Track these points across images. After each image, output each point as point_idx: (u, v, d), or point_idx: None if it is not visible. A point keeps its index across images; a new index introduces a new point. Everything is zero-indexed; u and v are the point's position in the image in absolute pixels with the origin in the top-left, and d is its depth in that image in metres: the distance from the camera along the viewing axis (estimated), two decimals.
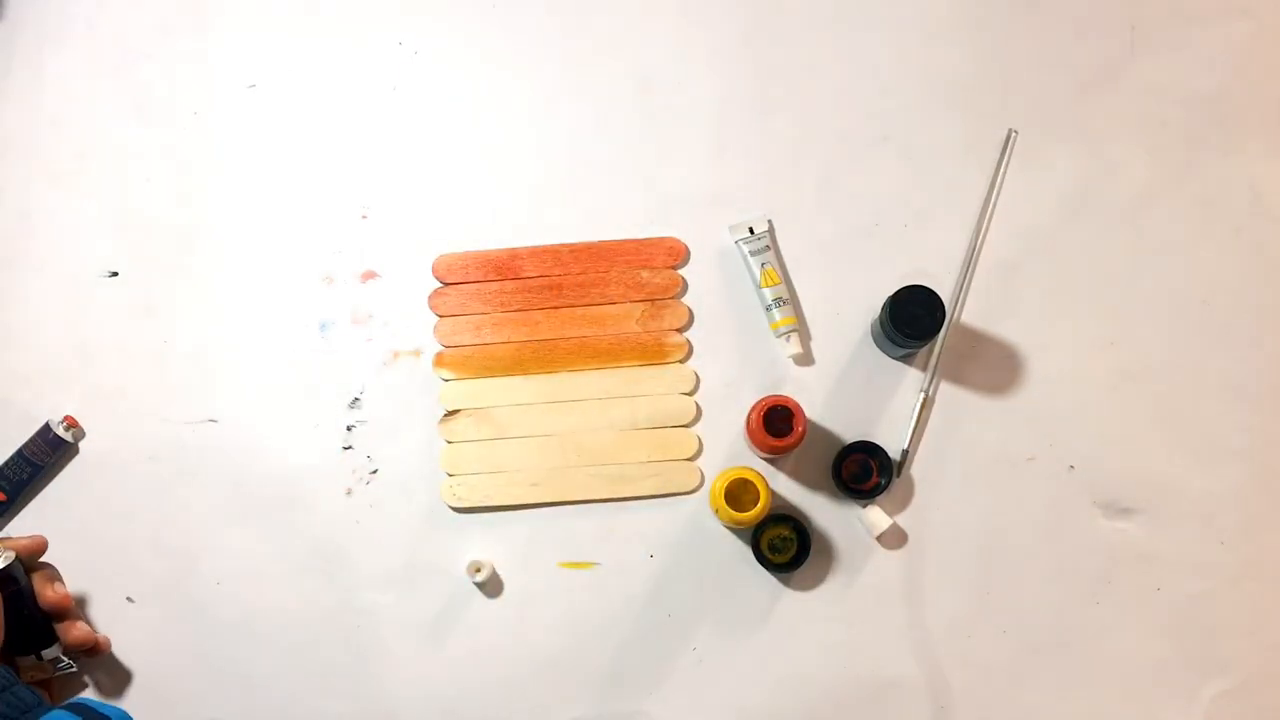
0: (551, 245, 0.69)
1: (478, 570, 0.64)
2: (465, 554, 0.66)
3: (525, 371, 0.67)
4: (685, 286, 0.69)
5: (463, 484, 0.66)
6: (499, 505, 0.66)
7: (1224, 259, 0.68)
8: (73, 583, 0.65)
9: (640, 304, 0.68)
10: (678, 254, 0.69)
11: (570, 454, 0.66)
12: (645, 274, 0.68)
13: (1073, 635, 0.65)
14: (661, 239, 0.69)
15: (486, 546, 0.66)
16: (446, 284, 0.69)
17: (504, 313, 0.68)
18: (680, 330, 0.68)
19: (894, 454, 0.66)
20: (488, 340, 0.68)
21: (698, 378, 0.67)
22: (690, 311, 0.68)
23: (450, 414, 0.67)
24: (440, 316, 0.68)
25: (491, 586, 0.65)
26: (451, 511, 0.66)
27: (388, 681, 0.64)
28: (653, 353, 0.67)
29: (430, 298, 0.68)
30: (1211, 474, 0.66)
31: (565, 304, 0.68)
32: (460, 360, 0.68)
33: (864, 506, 0.65)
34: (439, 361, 0.68)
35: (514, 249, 0.69)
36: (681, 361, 0.68)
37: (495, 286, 0.68)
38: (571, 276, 0.68)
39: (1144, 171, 0.69)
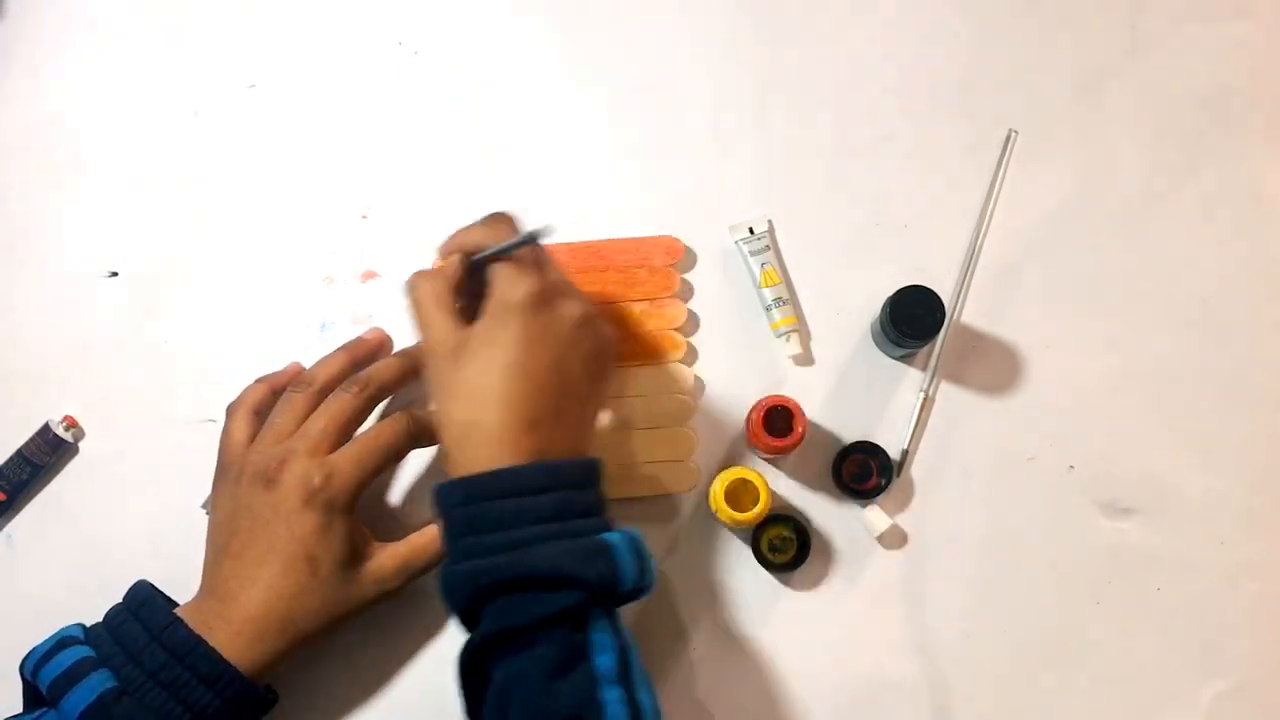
0: (549, 245, 0.69)
1: None
2: None
3: None
4: (684, 286, 0.69)
5: None
6: None
7: (1224, 259, 0.69)
8: (73, 583, 0.65)
9: (638, 303, 0.68)
10: (676, 253, 0.69)
11: None
12: (643, 273, 0.68)
13: (1073, 635, 0.65)
14: (660, 238, 0.69)
15: None
16: None
17: None
18: (679, 329, 0.68)
19: (894, 454, 0.66)
20: None
21: (696, 377, 0.67)
22: (689, 311, 0.68)
23: None
24: None
25: None
26: None
27: (390, 677, 0.64)
28: (651, 352, 0.67)
29: None
30: (1211, 474, 0.66)
31: None
32: None
33: (864, 506, 0.65)
34: None
35: None
36: (680, 361, 0.67)
37: None
38: (570, 276, 0.68)
39: (1144, 171, 0.69)
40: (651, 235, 0.69)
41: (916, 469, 0.66)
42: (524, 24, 0.72)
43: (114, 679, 0.53)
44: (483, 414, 0.52)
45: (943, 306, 0.62)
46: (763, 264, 0.68)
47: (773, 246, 0.68)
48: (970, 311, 0.68)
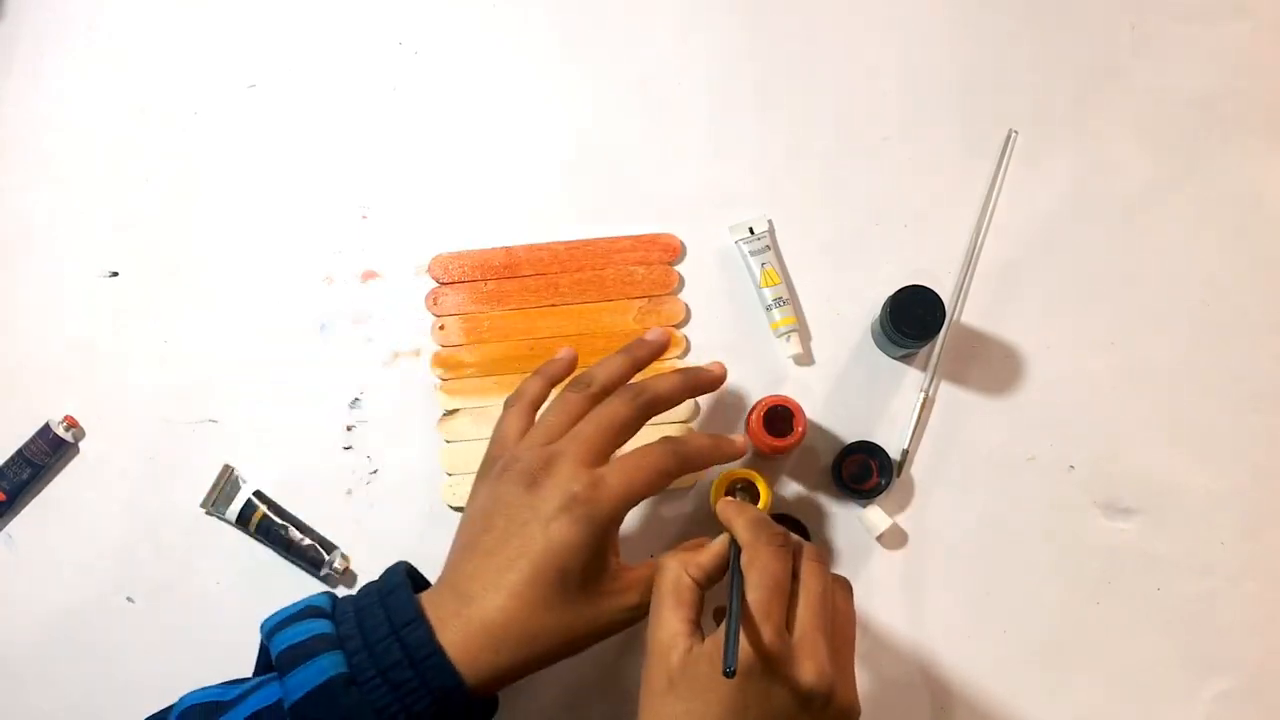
0: (548, 243, 0.69)
1: None
2: None
3: (524, 370, 0.67)
4: (682, 282, 0.69)
5: (462, 483, 0.66)
6: None
7: (1224, 259, 0.69)
8: (73, 583, 0.65)
9: (636, 300, 0.68)
10: (673, 250, 0.69)
11: None
12: (641, 270, 0.68)
13: (1073, 635, 0.65)
14: (657, 235, 0.69)
15: None
16: (443, 284, 0.69)
17: (503, 311, 0.68)
18: (678, 326, 0.68)
19: (894, 454, 0.66)
20: (485, 340, 0.68)
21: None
22: (687, 307, 0.68)
23: (449, 413, 0.67)
24: (437, 316, 0.68)
25: None
26: (453, 511, 0.66)
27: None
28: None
29: (427, 298, 0.68)
30: (1211, 474, 0.66)
31: (563, 302, 0.68)
32: (458, 360, 0.68)
33: (864, 506, 0.65)
34: (436, 361, 0.68)
35: (510, 248, 0.69)
36: (679, 357, 0.67)
37: (493, 285, 0.68)
38: (568, 274, 0.68)
39: (1144, 171, 0.70)
40: (649, 233, 0.69)
41: (916, 469, 0.66)
42: (524, 24, 0.72)
43: (346, 664, 0.50)
44: None
45: (943, 306, 0.62)
46: (763, 264, 0.68)
47: (773, 246, 0.68)
48: (970, 311, 0.68)
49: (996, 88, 0.71)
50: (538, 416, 0.58)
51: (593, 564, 0.53)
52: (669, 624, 0.50)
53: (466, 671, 0.50)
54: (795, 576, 0.51)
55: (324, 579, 0.65)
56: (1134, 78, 0.71)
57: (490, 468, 0.57)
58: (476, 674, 0.51)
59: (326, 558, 0.65)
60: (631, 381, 0.59)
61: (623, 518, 0.55)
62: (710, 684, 0.48)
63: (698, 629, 0.51)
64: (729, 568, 0.51)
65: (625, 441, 0.57)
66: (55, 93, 0.72)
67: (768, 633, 0.47)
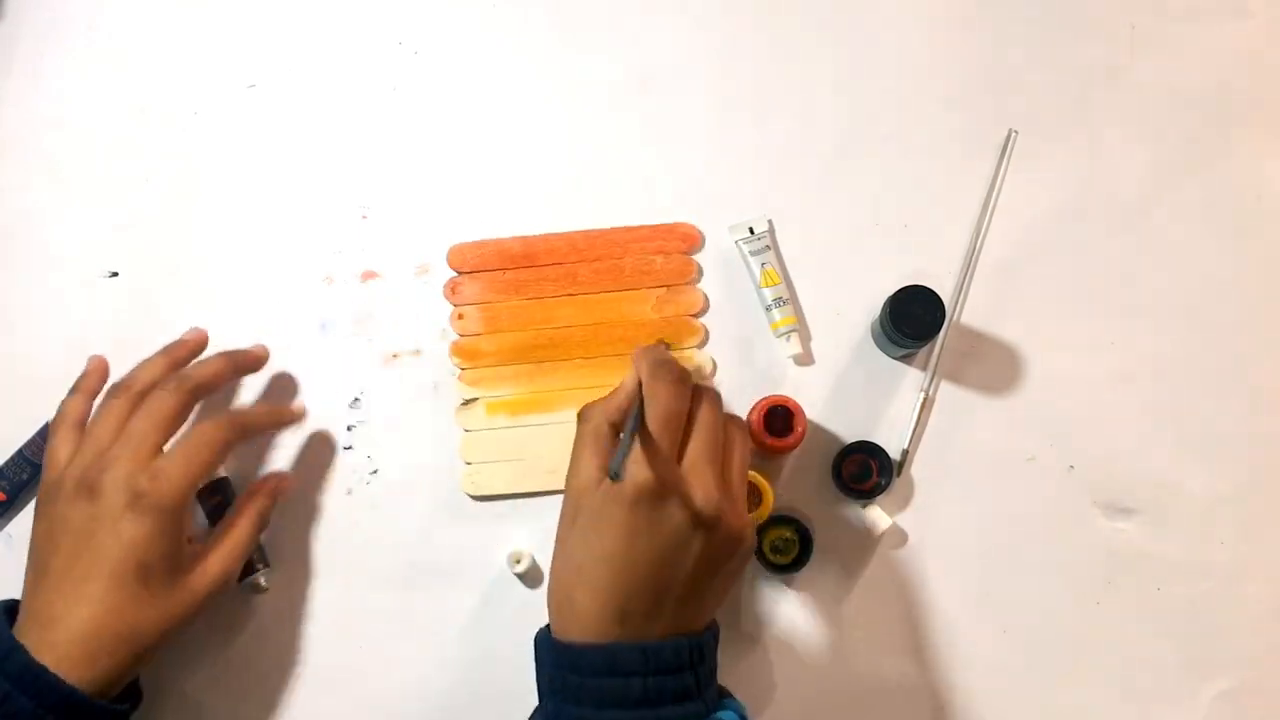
0: (566, 232, 0.69)
1: (518, 561, 0.64)
2: (471, 547, 0.66)
3: (542, 359, 0.67)
4: (700, 272, 0.69)
5: (481, 471, 0.66)
6: (516, 493, 0.66)
7: (1224, 259, 0.69)
8: None
9: (655, 289, 0.68)
10: (692, 239, 0.69)
11: None
12: (660, 259, 0.68)
13: (1073, 635, 0.65)
14: (676, 224, 0.69)
15: (502, 536, 0.66)
16: (462, 273, 0.69)
17: (521, 300, 0.68)
18: (695, 316, 0.68)
19: (894, 454, 0.66)
20: (504, 329, 0.68)
21: (714, 363, 0.68)
22: (705, 296, 0.68)
23: (468, 402, 0.67)
24: (456, 305, 0.68)
25: (531, 577, 0.65)
26: (462, 506, 0.66)
27: (395, 679, 0.64)
28: (668, 338, 0.68)
29: (445, 286, 0.68)
30: (1211, 474, 0.66)
31: (581, 291, 0.68)
32: (477, 349, 0.68)
33: (864, 506, 0.65)
34: (455, 350, 0.68)
35: (527, 237, 0.69)
36: (697, 347, 0.68)
37: (511, 275, 0.69)
38: (586, 264, 0.68)
39: (1144, 171, 0.70)
40: (668, 222, 0.69)
41: (916, 469, 0.67)
42: (524, 24, 0.72)
43: None
44: (577, 592, 0.51)
45: (943, 306, 0.62)
46: (763, 264, 0.68)
47: (773, 246, 0.68)
48: (970, 311, 0.68)
49: (996, 88, 0.71)
50: (85, 430, 0.58)
51: (171, 551, 0.55)
52: (586, 468, 0.53)
53: (79, 685, 0.51)
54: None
55: (240, 588, 0.64)
56: (1134, 78, 0.71)
57: (47, 493, 0.57)
58: (88, 685, 0.52)
59: (255, 571, 0.63)
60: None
61: (191, 500, 0.57)
62: (606, 513, 0.51)
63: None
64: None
65: (177, 430, 0.58)
66: (55, 93, 0.72)
67: (658, 461, 0.50)
